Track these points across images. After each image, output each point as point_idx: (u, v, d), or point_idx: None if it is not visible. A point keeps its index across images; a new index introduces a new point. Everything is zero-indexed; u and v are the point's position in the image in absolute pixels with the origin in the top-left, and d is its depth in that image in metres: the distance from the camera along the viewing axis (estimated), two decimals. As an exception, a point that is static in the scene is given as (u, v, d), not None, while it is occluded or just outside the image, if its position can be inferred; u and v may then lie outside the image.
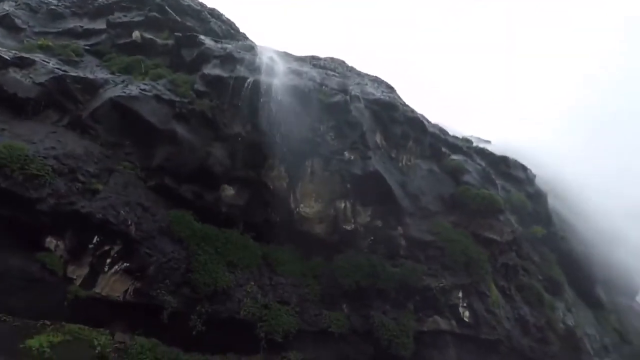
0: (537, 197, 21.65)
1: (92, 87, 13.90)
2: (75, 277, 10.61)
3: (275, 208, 14.23)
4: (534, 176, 22.53)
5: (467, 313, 15.25)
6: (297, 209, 14.33)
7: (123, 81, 14.51)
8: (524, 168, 22.36)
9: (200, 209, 13.06)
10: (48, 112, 12.93)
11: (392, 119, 17.73)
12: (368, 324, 13.50)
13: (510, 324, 16.19)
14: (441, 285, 14.89)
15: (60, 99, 13.21)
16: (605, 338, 19.04)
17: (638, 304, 23.26)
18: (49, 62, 14.06)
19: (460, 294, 15.31)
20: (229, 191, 13.83)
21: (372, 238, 14.96)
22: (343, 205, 14.78)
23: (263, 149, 14.19)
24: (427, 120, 20.48)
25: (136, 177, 12.57)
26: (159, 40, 17.99)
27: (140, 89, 13.72)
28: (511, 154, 22.59)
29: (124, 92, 13.45)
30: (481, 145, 22.75)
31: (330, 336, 12.95)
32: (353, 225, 14.80)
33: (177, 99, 14.01)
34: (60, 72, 13.63)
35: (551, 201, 22.29)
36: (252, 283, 12.65)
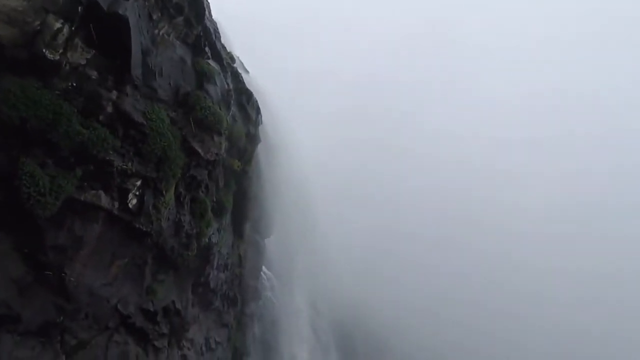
0: (252, 138, 24.12)
1: None
2: None
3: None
4: (261, 122, 24.92)
5: (134, 201, 15.18)
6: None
7: None
8: (258, 111, 24.32)
9: None
10: None
11: (176, -18, 15.25)
12: (13, 168, 11.14)
13: (167, 224, 17.37)
14: (124, 167, 14.15)
15: None
16: (229, 260, 23.62)
17: (264, 243, 29.96)
18: None
19: (139, 183, 15.07)
20: None
21: (73, 84, 12.24)
22: (59, 27, 11.35)
23: None
24: (210, 13, 18.88)
25: None
26: None
27: None
28: (256, 94, 24.06)
29: None
30: (240, 70, 23.08)
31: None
32: (58, 58, 11.63)
33: None
34: None
35: (259, 147, 25.36)
36: None
